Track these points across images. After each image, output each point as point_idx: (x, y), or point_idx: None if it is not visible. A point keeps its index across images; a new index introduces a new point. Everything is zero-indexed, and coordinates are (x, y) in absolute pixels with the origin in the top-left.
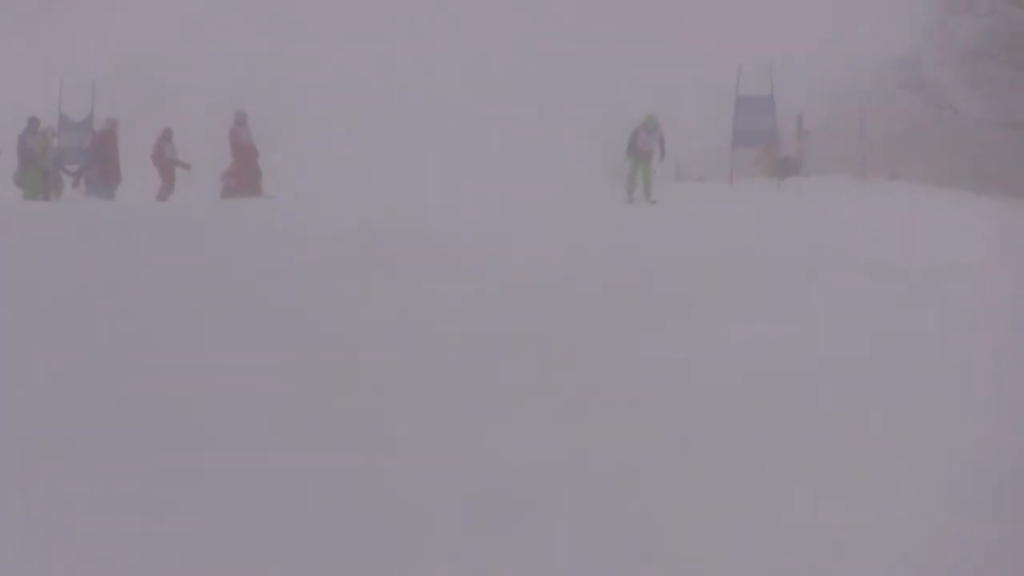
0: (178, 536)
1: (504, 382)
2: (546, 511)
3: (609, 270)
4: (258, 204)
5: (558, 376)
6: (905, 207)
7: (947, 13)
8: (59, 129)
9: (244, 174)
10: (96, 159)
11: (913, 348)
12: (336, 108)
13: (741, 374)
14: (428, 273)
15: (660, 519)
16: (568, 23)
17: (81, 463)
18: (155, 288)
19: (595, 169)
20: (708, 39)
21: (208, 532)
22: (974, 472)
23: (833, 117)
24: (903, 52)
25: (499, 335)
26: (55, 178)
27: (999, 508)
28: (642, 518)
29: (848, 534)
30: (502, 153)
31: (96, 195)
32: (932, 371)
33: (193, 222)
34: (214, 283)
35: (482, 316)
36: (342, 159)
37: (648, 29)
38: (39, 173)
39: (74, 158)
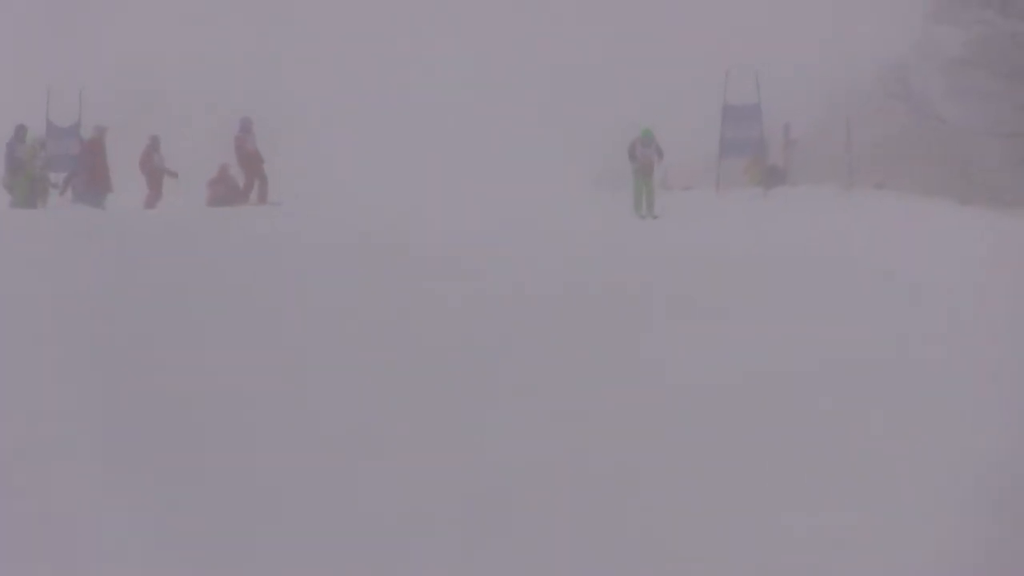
0: (172, 537)
1: (502, 384)
2: (544, 511)
3: (605, 274)
4: (250, 211)
5: (555, 378)
6: (892, 217)
7: (933, 23)
8: (47, 136)
9: (249, 181)
10: (84, 167)
11: (904, 354)
12: (334, 111)
13: (739, 376)
14: (426, 275)
15: (659, 519)
16: (560, 30)
17: (75, 466)
18: (146, 295)
19: (587, 174)
20: (695, 49)
21: (201, 533)
22: (971, 472)
23: (820, 127)
24: (889, 62)
25: (496, 337)
26: (42, 186)
27: (993, 508)
28: (641, 518)
29: (847, 534)
30: (497, 157)
31: (83, 203)
32: (925, 376)
33: (183, 229)
34: (207, 289)
35: (480, 319)
36: (340, 162)
37: (635, 38)
38: (27, 180)
39: (62, 165)
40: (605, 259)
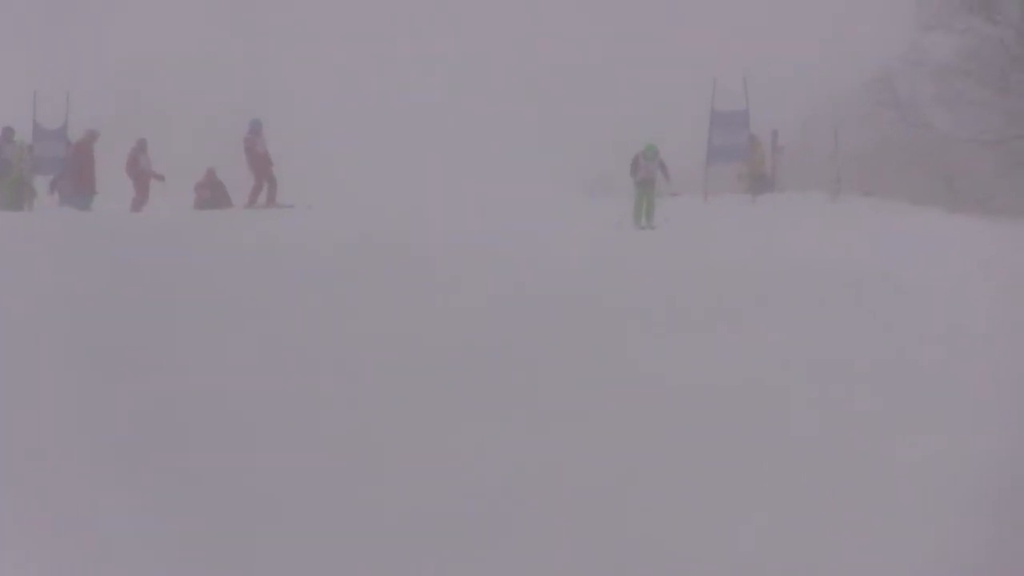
0: (162, 538)
1: (492, 391)
2: (530, 516)
3: (600, 279)
4: (235, 216)
5: (544, 383)
6: (879, 224)
7: (922, 30)
8: (33, 138)
9: (258, 183)
10: (71, 169)
11: (899, 358)
12: (330, 113)
13: (737, 379)
14: (422, 279)
15: (657, 520)
16: (555, 37)
17: (65, 466)
18: (135, 298)
19: (580, 180)
20: (683, 55)
21: (189, 535)
22: (969, 473)
23: (808, 134)
24: (877, 69)
25: (489, 344)
26: (29, 188)
27: (990, 509)
28: (639, 519)
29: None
30: (493, 163)
31: (70, 205)
32: (920, 380)
33: (173, 233)
34: (198, 294)
35: (477, 321)
36: (337, 165)
37: (625, 47)
38: (14, 183)
39: (49, 168)
40: (600, 264)
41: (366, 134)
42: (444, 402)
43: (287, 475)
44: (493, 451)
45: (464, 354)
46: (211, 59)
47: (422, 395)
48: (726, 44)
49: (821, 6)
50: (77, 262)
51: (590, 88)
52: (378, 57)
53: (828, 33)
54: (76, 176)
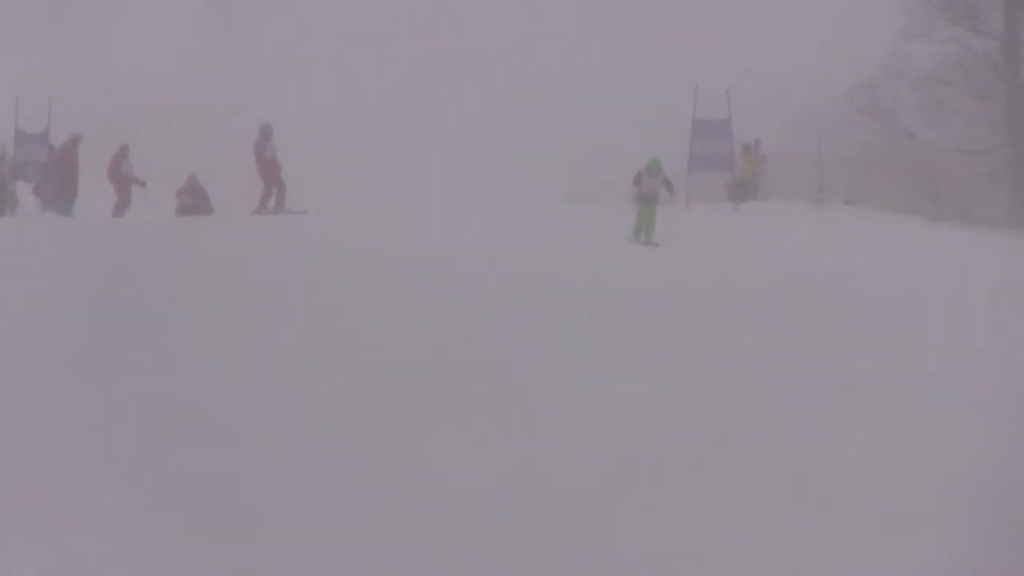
0: (137, 540)
1: (458, 401)
2: (510, 517)
3: (585, 288)
4: (217, 223)
5: (524, 388)
6: (862, 234)
7: (904, 39)
8: (15, 143)
9: (268, 189)
10: (55, 174)
11: (879, 368)
12: (313, 119)
13: (727, 387)
14: (403, 287)
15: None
16: (535, 48)
17: (49, 467)
18: (119, 304)
19: (561, 190)
20: (668, 64)
21: (169, 536)
22: (957, 477)
23: (791, 143)
24: (860, 78)
25: (455, 355)
26: (11, 195)
27: (972, 513)
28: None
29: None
30: (475, 172)
31: (52, 210)
32: (908, 384)
33: (155, 239)
34: (180, 301)
35: (442, 336)
36: (317, 172)
37: (610, 55)
38: None
39: (30, 173)
40: (585, 273)
41: (351, 140)
42: (431, 405)
43: (270, 476)
44: (476, 452)
45: (446, 358)
46: (197, 63)
47: (409, 397)
48: (710, 53)
49: (804, 14)
50: (59, 268)
51: (576, 96)
52: (365, 62)
53: (811, 41)
54: (59, 180)
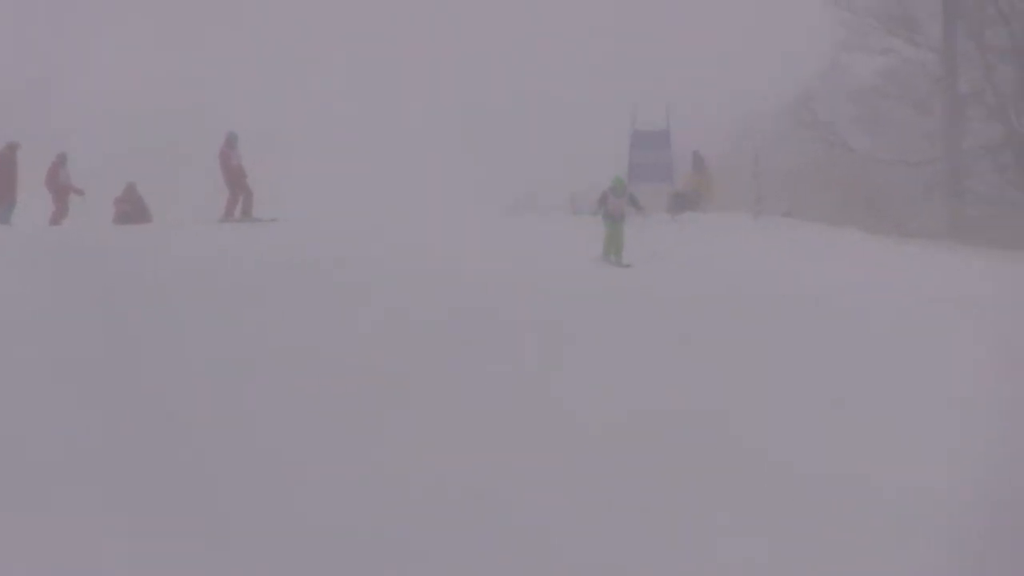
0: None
1: (398, 411)
2: (437, 531)
3: (518, 302)
4: (152, 232)
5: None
6: (800, 245)
7: (842, 51)
8: None
9: (233, 196)
10: None
11: (826, 373)
12: (255, 127)
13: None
14: (331, 297)
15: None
16: (480, 61)
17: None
18: (55, 313)
19: (502, 202)
20: (605, 74)
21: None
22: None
23: (729, 154)
24: (798, 90)
25: (398, 363)
26: None
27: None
28: (539, 541)
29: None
30: (417, 181)
31: None
32: (851, 398)
33: (95, 248)
34: (113, 309)
35: (385, 343)
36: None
37: (553, 69)
38: None
39: None
40: (523, 284)
41: (301, 146)
42: (360, 415)
43: (201, 486)
44: (413, 462)
45: (363, 379)
46: (137, 74)
47: (324, 418)
48: (648, 62)
49: (743, 27)
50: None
51: (521, 108)
52: (312, 70)
53: (749, 54)
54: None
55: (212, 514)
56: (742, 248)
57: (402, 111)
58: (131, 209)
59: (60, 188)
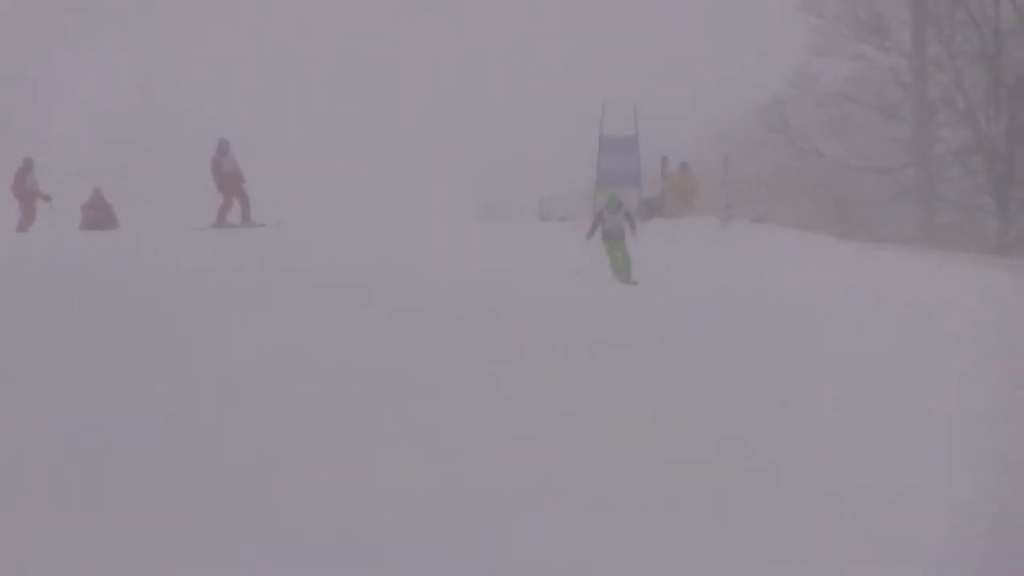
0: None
1: (375, 416)
2: (411, 535)
3: (496, 307)
4: (117, 237)
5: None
6: (769, 250)
7: (812, 56)
8: None
9: (226, 202)
10: None
11: (797, 378)
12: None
13: (609, 413)
14: (309, 304)
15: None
16: (451, 66)
17: None
18: (22, 320)
19: (471, 207)
20: (571, 79)
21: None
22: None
23: (699, 160)
24: (768, 95)
25: (374, 369)
26: None
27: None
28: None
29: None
30: (387, 186)
31: None
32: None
33: (62, 254)
34: (80, 316)
35: (361, 348)
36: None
37: (522, 72)
38: None
39: None
40: (492, 290)
41: (268, 151)
42: (335, 417)
43: (176, 491)
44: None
45: (340, 385)
46: (103, 79)
47: (300, 423)
48: (615, 68)
49: (713, 32)
50: None
51: (493, 111)
52: (283, 71)
53: (720, 59)
54: None
55: (209, 516)
56: (710, 254)
57: (364, 117)
58: (97, 215)
59: (27, 194)
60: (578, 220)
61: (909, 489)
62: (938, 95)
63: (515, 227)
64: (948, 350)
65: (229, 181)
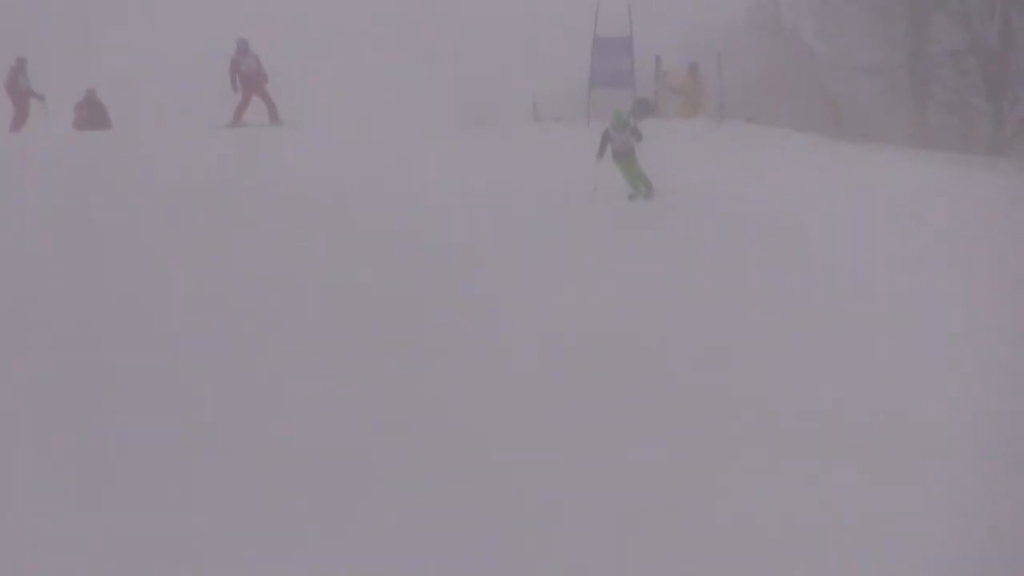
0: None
1: (356, 330)
2: (391, 462)
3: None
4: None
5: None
6: (763, 151)
7: None
8: None
9: (243, 102)
10: None
11: (788, 280)
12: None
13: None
14: (291, 223)
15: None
16: None
17: None
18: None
19: (455, 115)
20: None
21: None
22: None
23: (691, 60)
24: None
25: (354, 282)
26: None
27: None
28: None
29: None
30: (372, 97)
31: None
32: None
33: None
34: (71, 220)
35: (341, 264)
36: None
37: None
38: None
39: None
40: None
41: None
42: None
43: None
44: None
45: (318, 298)
46: None
47: (279, 340)
48: None
49: None
50: None
51: (473, 15)
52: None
53: None
54: None
55: (207, 433)
56: (701, 155)
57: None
58: (90, 115)
59: (20, 93)
60: (574, 120)
61: (893, 402)
62: None
63: (504, 136)
64: (938, 254)
65: (249, 81)
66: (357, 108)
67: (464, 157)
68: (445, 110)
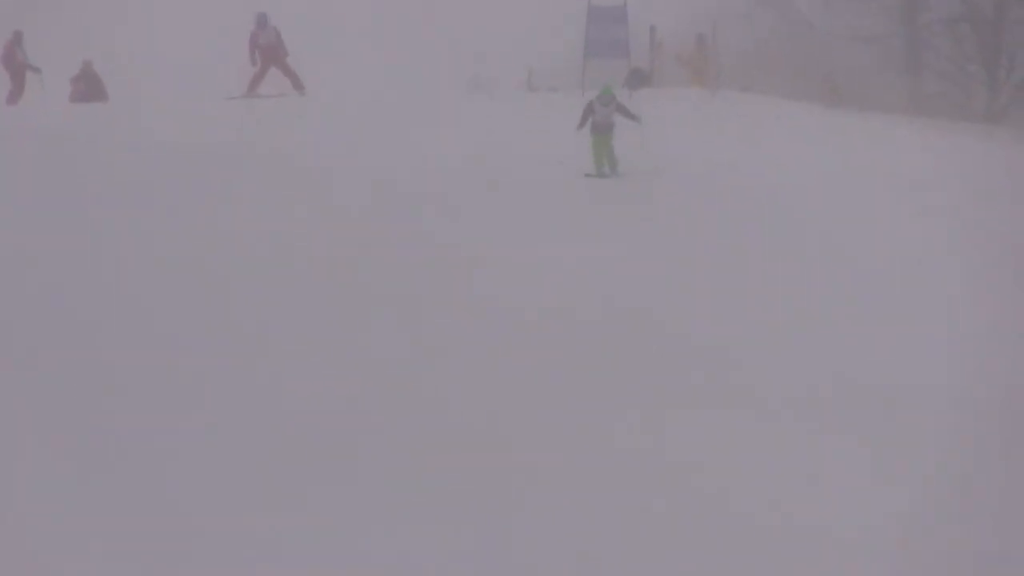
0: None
1: (348, 291)
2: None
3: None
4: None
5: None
6: (754, 120)
7: None
8: None
9: (259, 73)
10: None
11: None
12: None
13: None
14: (278, 184)
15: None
16: None
17: None
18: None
19: (459, 80)
20: None
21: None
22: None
23: (686, 32)
24: None
25: (344, 243)
26: None
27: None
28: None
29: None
30: (368, 64)
31: None
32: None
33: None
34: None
35: (329, 226)
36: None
37: None
38: None
39: None
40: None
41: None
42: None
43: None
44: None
45: (308, 260)
46: None
47: (270, 298)
48: None
49: None
50: None
51: None
52: None
53: None
54: None
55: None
56: (697, 125)
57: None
58: (87, 87)
59: (17, 67)
60: (568, 90)
61: (893, 371)
62: None
63: (500, 105)
64: (935, 223)
65: (267, 54)
66: (358, 80)
67: (462, 126)
68: (443, 80)
